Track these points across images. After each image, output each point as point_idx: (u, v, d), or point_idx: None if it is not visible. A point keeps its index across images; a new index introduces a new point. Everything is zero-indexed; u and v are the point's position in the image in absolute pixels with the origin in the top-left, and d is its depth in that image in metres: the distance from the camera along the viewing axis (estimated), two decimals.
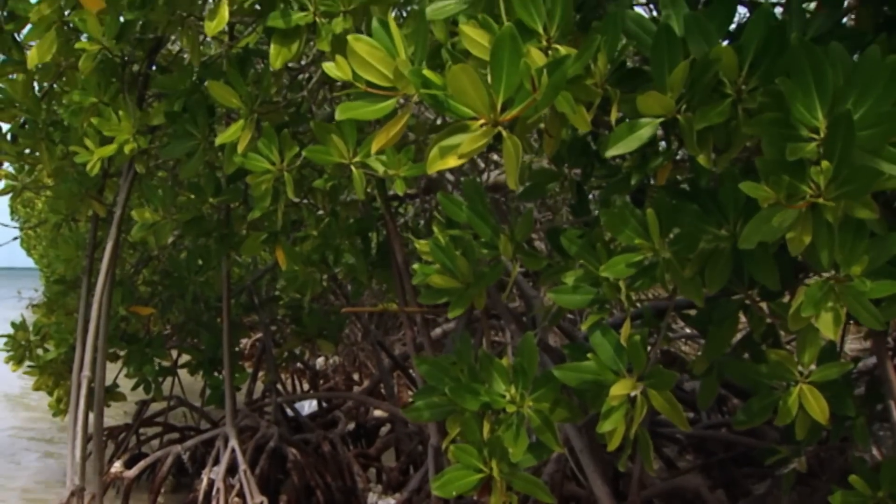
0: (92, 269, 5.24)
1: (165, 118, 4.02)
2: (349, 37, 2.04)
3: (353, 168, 3.01)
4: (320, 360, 10.10)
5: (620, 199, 2.38)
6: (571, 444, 3.35)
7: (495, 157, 5.34)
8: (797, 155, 1.70)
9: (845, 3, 2.14)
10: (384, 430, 7.64)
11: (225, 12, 3.03)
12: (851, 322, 2.02)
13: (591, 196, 3.05)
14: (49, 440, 9.50)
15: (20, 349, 6.13)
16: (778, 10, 2.21)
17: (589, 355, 2.24)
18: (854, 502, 2.21)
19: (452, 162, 1.76)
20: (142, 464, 6.11)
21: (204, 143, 3.89)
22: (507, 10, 1.92)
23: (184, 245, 6.77)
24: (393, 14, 3.09)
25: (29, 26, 3.91)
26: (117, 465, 6.14)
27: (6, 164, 5.07)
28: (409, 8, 3.29)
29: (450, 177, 5.02)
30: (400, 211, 6.28)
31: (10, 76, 4.42)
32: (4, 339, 6.17)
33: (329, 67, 2.16)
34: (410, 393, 7.34)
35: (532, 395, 2.36)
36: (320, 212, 3.94)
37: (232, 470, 5.44)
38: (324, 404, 7.98)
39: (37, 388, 6.16)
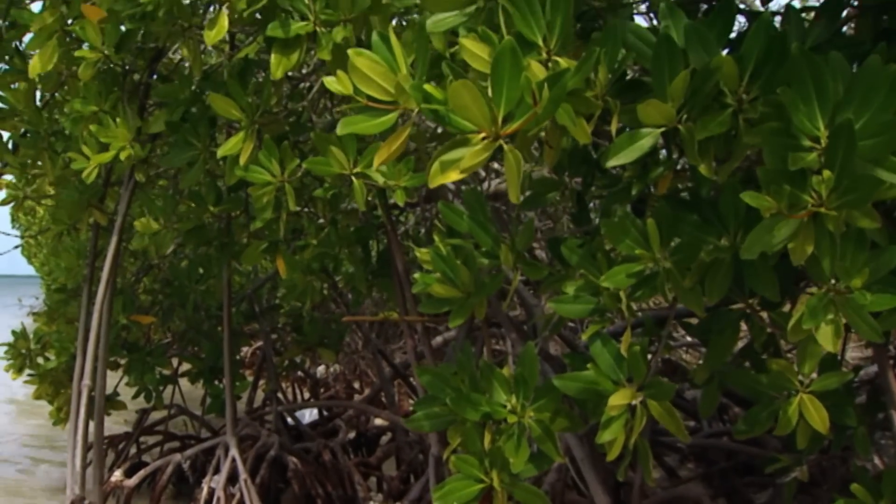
0: (93, 277, 5.24)
1: (166, 127, 4.02)
2: (350, 51, 2.04)
3: (353, 179, 3.01)
4: (321, 369, 10.09)
5: (621, 209, 2.38)
6: (573, 454, 3.35)
7: (496, 165, 5.35)
8: (798, 164, 1.70)
9: (844, 13, 2.14)
10: (385, 438, 7.62)
11: (224, 22, 3.04)
12: (853, 330, 2.02)
13: (591, 205, 3.05)
14: (55, 447, 9.48)
15: (20, 358, 6.12)
16: (776, 19, 2.21)
17: (588, 365, 2.24)
18: None
19: (454, 176, 1.76)
20: (142, 472, 6.09)
21: (205, 153, 3.89)
22: (506, 22, 1.93)
23: (185, 254, 6.78)
24: (393, 22, 3.10)
25: (30, 35, 3.93)
26: (117, 474, 6.12)
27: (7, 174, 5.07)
28: (408, 17, 3.30)
29: (451, 185, 5.02)
30: (401, 219, 6.29)
31: (12, 85, 4.42)
32: (5, 349, 6.17)
33: (330, 82, 2.16)
34: (411, 401, 7.33)
35: (533, 405, 2.36)
36: (321, 220, 3.95)
37: (232, 479, 5.43)
38: (324, 413, 7.96)
39: (37, 396, 6.15)
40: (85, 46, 3.78)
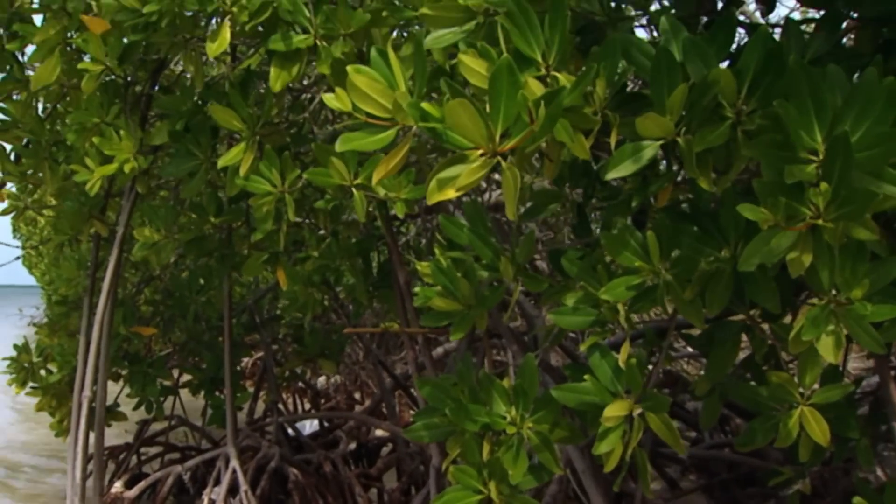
0: (94, 288, 5.23)
1: (169, 137, 4.03)
2: (349, 69, 2.04)
3: (354, 190, 3.02)
4: (322, 380, 10.08)
5: (621, 221, 2.38)
6: (574, 466, 3.34)
7: (496, 176, 5.36)
8: (796, 177, 1.70)
9: (843, 25, 2.15)
10: (386, 449, 7.61)
11: (226, 34, 3.05)
12: (854, 341, 2.02)
13: (592, 216, 3.05)
14: (63, 457, 9.45)
15: (23, 372, 6.12)
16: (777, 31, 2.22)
17: (586, 377, 2.24)
18: None
19: (451, 193, 1.76)
20: (142, 484, 6.08)
21: (206, 163, 3.90)
22: (505, 38, 1.93)
23: (185, 265, 6.78)
24: (393, 34, 3.11)
25: (32, 46, 3.94)
26: (118, 486, 6.12)
27: (9, 184, 5.08)
28: (409, 29, 3.31)
29: None
30: (402, 230, 6.30)
31: (14, 96, 4.43)
32: (7, 362, 6.16)
33: (329, 99, 2.16)
34: (412, 412, 7.31)
35: (532, 417, 2.36)
36: (322, 232, 3.95)
37: (233, 490, 5.42)
38: (325, 424, 7.95)
39: (39, 408, 6.14)
40: (87, 58, 3.79)
